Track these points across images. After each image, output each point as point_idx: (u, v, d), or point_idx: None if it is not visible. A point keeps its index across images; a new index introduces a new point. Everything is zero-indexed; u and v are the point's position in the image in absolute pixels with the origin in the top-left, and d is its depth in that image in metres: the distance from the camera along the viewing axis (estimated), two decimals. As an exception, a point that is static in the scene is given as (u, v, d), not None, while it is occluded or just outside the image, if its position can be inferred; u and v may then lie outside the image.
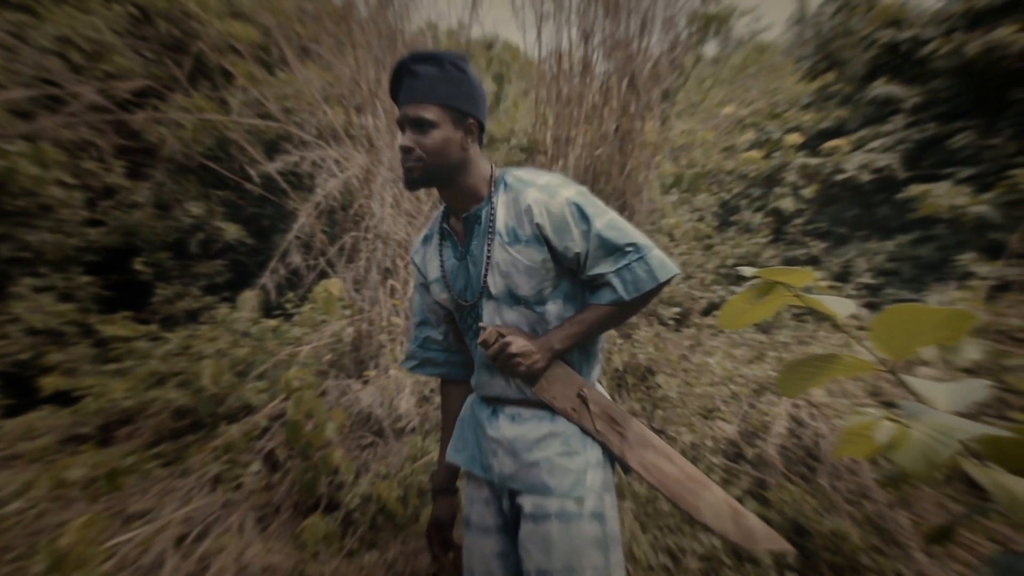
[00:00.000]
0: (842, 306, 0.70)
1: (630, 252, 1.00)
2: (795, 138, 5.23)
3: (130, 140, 3.49)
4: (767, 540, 1.00)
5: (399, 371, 2.52)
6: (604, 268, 1.00)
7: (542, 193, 1.00)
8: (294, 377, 2.25)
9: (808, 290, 0.72)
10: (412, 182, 1.02)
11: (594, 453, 1.05)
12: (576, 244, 0.99)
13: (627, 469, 1.09)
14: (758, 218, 5.18)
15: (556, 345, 1.03)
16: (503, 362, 1.01)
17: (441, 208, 1.16)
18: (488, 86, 4.58)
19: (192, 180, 3.92)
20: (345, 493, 2.08)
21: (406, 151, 0.99)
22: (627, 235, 1.00)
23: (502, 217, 1.03)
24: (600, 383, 1.14)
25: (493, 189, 1.05)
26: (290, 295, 3.19)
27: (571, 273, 1.05)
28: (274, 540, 1.90)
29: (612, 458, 1.09)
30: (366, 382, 2.56)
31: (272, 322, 3.07)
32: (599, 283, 1.03)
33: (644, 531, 1.82)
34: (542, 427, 1.04)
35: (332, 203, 3.12)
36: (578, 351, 1.08)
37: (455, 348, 1.21)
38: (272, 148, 3.74)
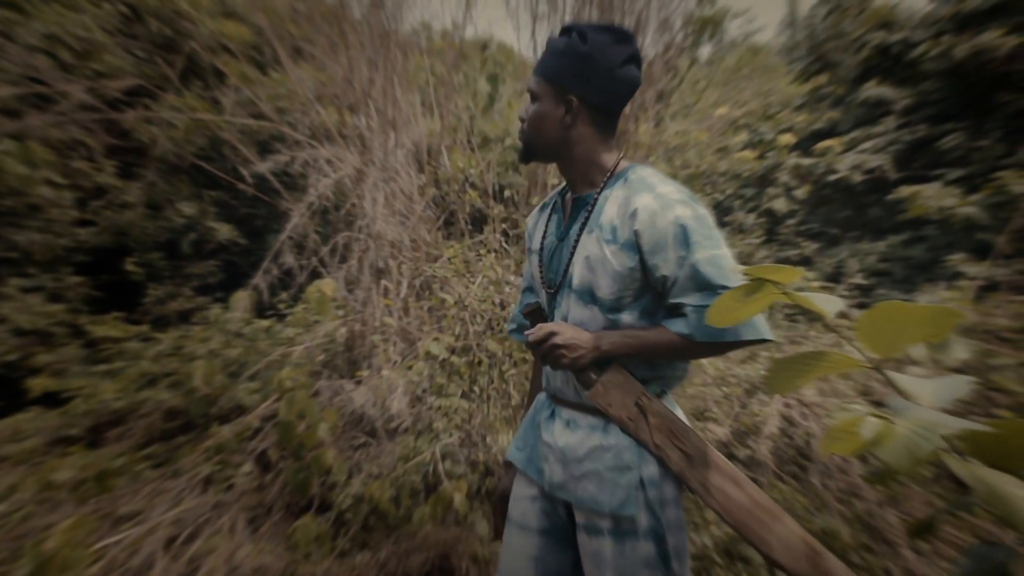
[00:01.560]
0: (830, 304, 0.71)
1: (721, 294, 0.91)
2: (788, 139, 5.27)
3: (121, 140, 3.46)
4: None
5: (392, 371, 2.52)
6: (687, 300, 0.91)
7: (655, 201, 0.92)
8: (287, 377, 2.24)
9: (798, 288, 0.72)
10: (520, 154, 1.03)
11: (650, 468, 0.96)
12: (667, 267, 0.91)
13: (687, 489, 1.00)
14: (751, 219, 5.21)
15: (604, 346, 0.95)
16: (546, 351, 0.95)
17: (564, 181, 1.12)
18: (482, 87, 4.58)
19: (184, 180, 3.90)
20: (337, 493, 2.07)
21: (521, 121, 1.01)
22: (726, 277, 0.89)
23: (609, 212, 0.96)
24: (676, 405, 1.05)
25: (610, 179, 1.00)
26: (283, 295, 3.18)
27: (654, 290, 0.97)
28: (265, 541, 1.89)
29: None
30: (359, 382, 2.55)
31: (265, 322, 3.05)
32: (676, 311, 0.94)
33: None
34: (593, 438, 0.98)
35: (325, 203, 3.11)
36: (647, 366, 1.00)
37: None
38: (265, 148, 3.72)
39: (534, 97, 0.98)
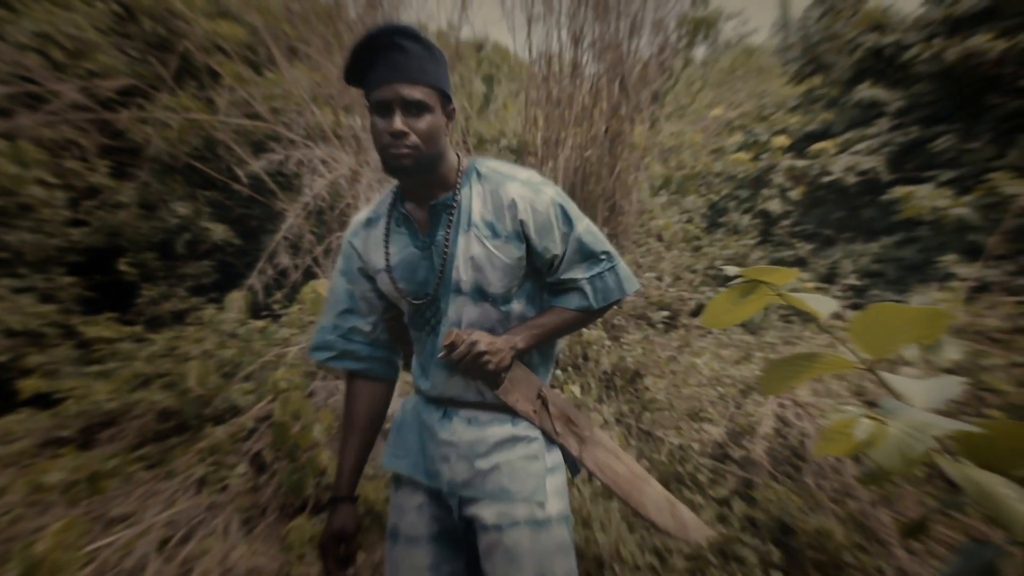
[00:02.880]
0: (824, 304, 0.71)
1: (603, 260, 0.99)
2: (782, 140, 5.30)
3: (114, 139, 3.44)
4: (698, 530, 1.02)
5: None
6: (577, 274, 0.99)
7: (527, 189, 0.95)
8: (281, 378, 2.23)
9: (792, 289, 0.73)
10: (402, 170, 0.91)
11: (553, 456, 1.02)
12: (555, 246, 0.96)
13: (578, 469, 1.06)
14: (746, 220, 5.23)
15: (520, 344, 0.98)
16: (471, 361, 0.94)
17: (391, 190, 1.06)
18: (478, 87, 4.58)
19: (178, 180, 3.87)
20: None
21: (398, 135, 0.89)
22: (602, 242, 1.00)
23: (478, 209, 0.97)
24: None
25: (462, 177, 0.99)
26: (278, 296, 3.16)
27: (536, 274, 1.02)
28: (260, 542, 1.88)
29: (563, 460, 1.05)
30: (354, 383, 2.54)
31: (259, 323, 3.03)
32: (568, 287, 1.00)
33: (631, 531, 1.83)
34: (503, 429, 0.99)
35: (320, 204, 3.10)
36: (537, 353, 1.05)
37: (381, 343, 1.11)
38: (260, 149, 3.71)
39: (422, 107, 0.89)
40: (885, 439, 0.50)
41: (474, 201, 0.97)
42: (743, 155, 5.35)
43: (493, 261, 0.95)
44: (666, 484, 2.04)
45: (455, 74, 4.21)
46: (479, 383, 0.99)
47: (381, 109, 0.90)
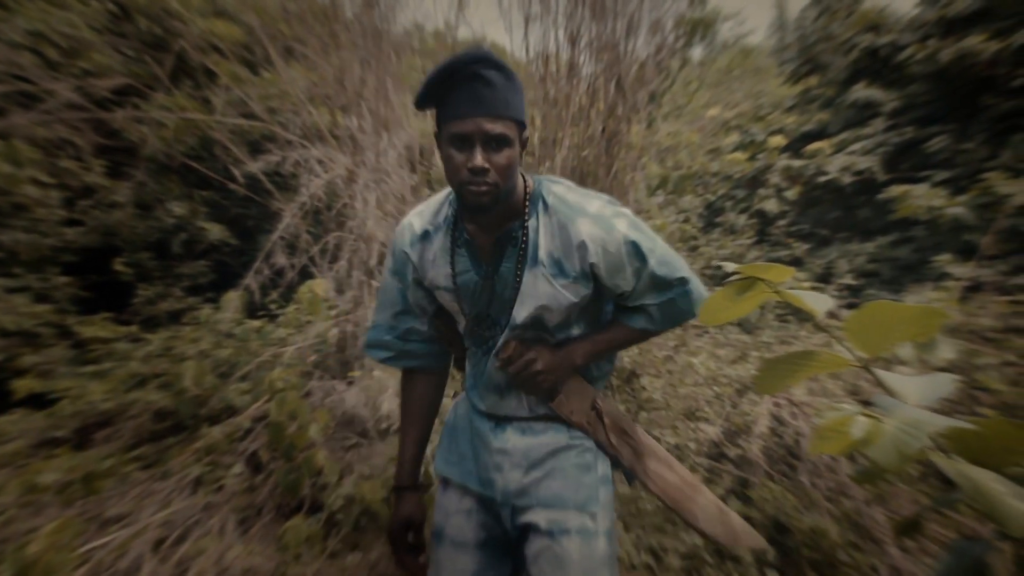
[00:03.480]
0: (820, 302, 0.72)
1: (676, 287, 0.95)
2: (779, 140, 5.31)
3: (110, 139, 3.42)
4: (747, 538, 1.00)
5: (384, 372, 2.51)
6: (648, 300, 0.96)
7: (597, 227, 0.90)
8: (278, 378, 2.22)
9: (788, 288, 0.73)
10: (483, 208, 0.86)
11: (604, 467, 1.01)
12: (627, 283, 0.93)
13: (632, 479, 1.05)
14: (742, 220, 5.25)
15: (578, 361, 0.98)
16: (525, 379, 0.95)
17: (447, 202, 1.01)
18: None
19: (174, 180, 3.86)
20: (328, 494, 2.06)
21: (479, 172, 0.83)
22: (676, 269, 0.95)
23: (545, 245, 0.92)
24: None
25: (529, 206, 0.94)
26: (274, 296, 3.16)
27: (601, 299, 1.00)
28: (256, 542, 1.87)
29: (615, 471, 1.05)
30: (351, 383, 2.54)
31: (256, 323, 3.03)
32: (636, 310, 0.98)
33: (627, 530, 1.83)
34: (559, 438, 0.99)
35: (317, 204, 3.09)
36: (595, 365, 1.04)
37: (436, 339, 1.11)
38: (256, 148, 3.70)
39: (504, 142, 0.84)
40: (881, 436, 0.50)
41: (541, 236, 0.92)
42: (739, 155, 5.36)
43: (559, 300, 0.92)
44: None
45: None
46: (532, 399, 1.00)
47: (459, 142, 0.84)
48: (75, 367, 2.87)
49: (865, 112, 5.38)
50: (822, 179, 5.13)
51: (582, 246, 0.89)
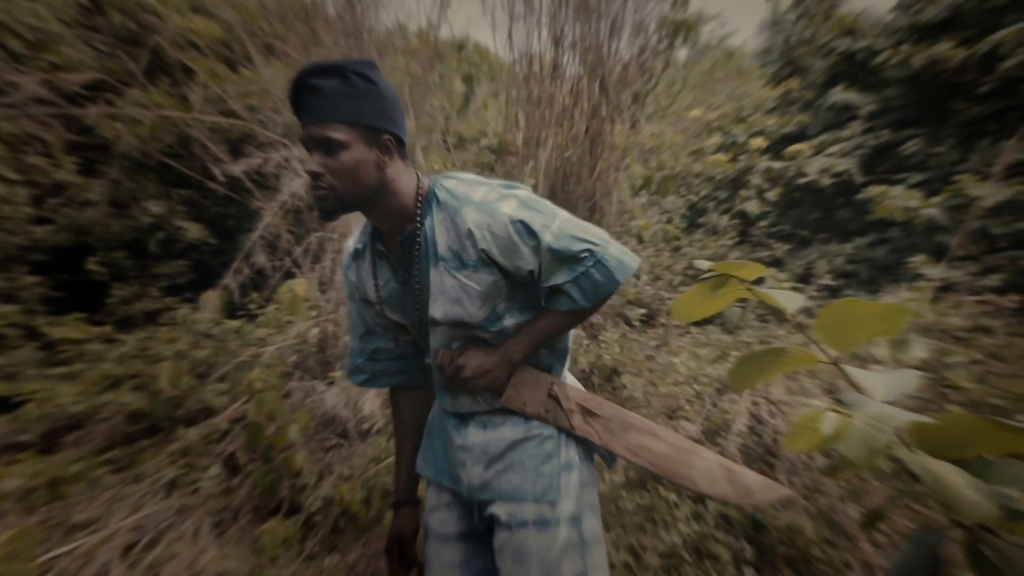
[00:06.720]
0: (791, 300, 0.73)
1: (585, 258, 0.92)
2: (760, 142, 5.39)
3: (82, 135, 3.34)
4: (765, 492, 0.94)
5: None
6: (560, 279, 0.93)
7: (481, 213, 0.90)
8: (257, 379, 2.19)
9: (760, 283, 0.74)
10: (326, 212, 0.89)
11: (570, 452, 1.00)
12: (527, 262, 0.92)
13: (612, 459, 1.06)
14: (725, 220, 5.31)
15: (516, 357, 0.97)
16: (460, 384, 0.96)
17: (369, 223, 1.03)
18: (457, 87, 4.57)
19: (151, 178, 3.78)
20: (307, 496, 2.03)
21: (313, 176, 0.87)
22: (579, 240, 0.92)
23: (443, 240, 0.93)
24: (568, 376, 1.11)
25: (421, 207, 0.95)
26: (254, 296, 3.11)
27: (525, 284, 0.98)
28: (231, 545, 1.84)
29: (591, 452, 1.05)
30: (331, 383, 2.51)
31: (235, 323, 2.98)
32: (555, 291, 0.96)
33: (607, 530, 1.84)
34: (517, 430, 0.99)
35: (298, 203, 3.05)
36: (547, 349, 1.03)
37: (409, 354, 1.13)
38: (236, 146, 3.63)
39: (335, 146, 0.86)
40: (850, 432, 0.50)
41: (438, 232, 0.93)
42: (722, 156, 5.42)
43: (468, 291, 0.92)
44: (642, 481, 2.06)
45: (435, 73, 4.19)
46: (485, 395, 1.00)
47: (306, 150, 0.90)
48: (43, 369, 2.79)
49: (843, 115, 5.48)
50: (802, 181, 5.21)
51: (469, 234, 0.90)
